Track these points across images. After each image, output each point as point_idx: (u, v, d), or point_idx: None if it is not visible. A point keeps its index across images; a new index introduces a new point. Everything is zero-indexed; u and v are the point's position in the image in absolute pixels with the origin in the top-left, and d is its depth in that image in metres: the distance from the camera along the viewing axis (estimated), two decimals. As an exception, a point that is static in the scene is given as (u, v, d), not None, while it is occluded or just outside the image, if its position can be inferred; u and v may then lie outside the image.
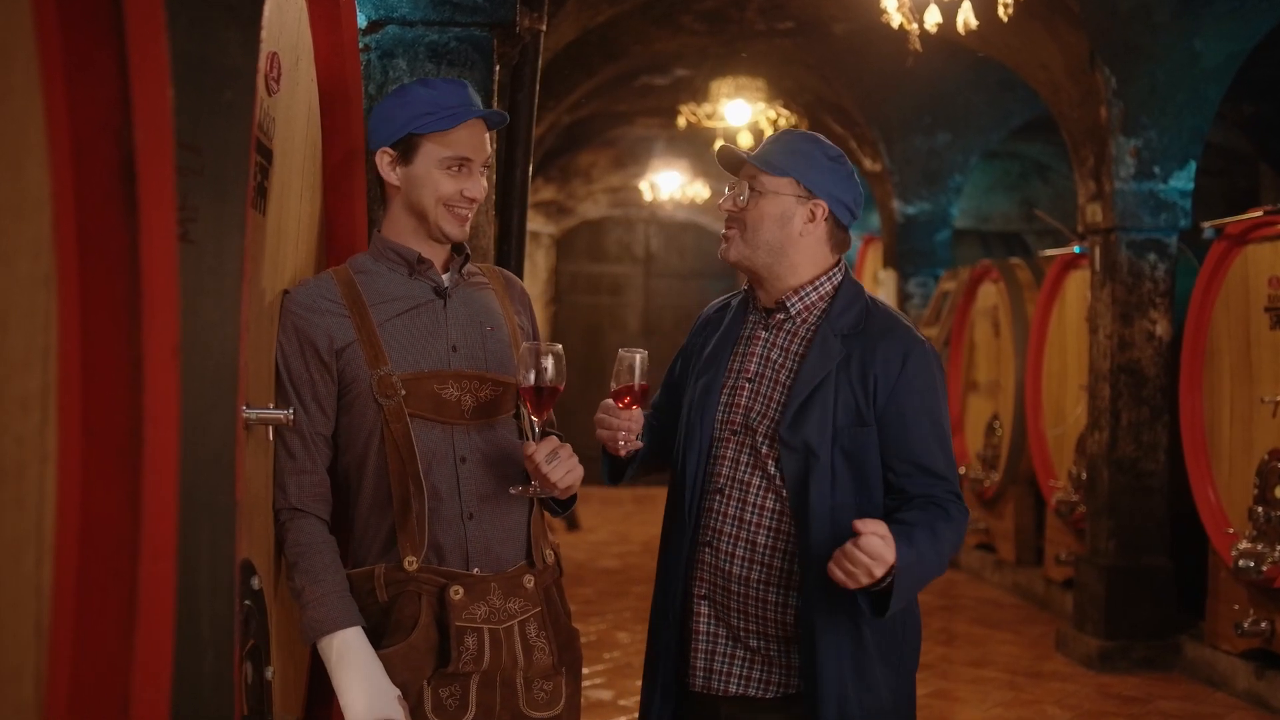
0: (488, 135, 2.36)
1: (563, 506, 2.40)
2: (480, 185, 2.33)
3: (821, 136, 2.47)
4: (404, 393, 2.23)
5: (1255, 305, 5.27)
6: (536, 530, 2.36)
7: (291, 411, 2.15)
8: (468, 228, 2.35)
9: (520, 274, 3.54)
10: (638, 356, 2.31)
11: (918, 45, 5.37)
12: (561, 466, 2.21)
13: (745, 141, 9.18)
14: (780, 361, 2.39)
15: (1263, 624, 5.09)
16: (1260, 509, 5.09)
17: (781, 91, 9.13)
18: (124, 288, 1.09)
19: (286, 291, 2.28)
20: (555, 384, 2.22)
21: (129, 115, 1.08)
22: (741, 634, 2.37)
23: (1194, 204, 6.06)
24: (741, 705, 2.38)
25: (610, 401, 2.34)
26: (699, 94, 9.34)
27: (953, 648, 6.29)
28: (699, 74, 9.01)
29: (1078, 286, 6.84)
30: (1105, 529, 6.02)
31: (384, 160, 2.31)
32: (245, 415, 1.99)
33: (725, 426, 2.40)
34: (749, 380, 2.40)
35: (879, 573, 2.14)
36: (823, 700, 2.27)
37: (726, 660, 2.38)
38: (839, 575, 2.15)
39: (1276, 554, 4.96)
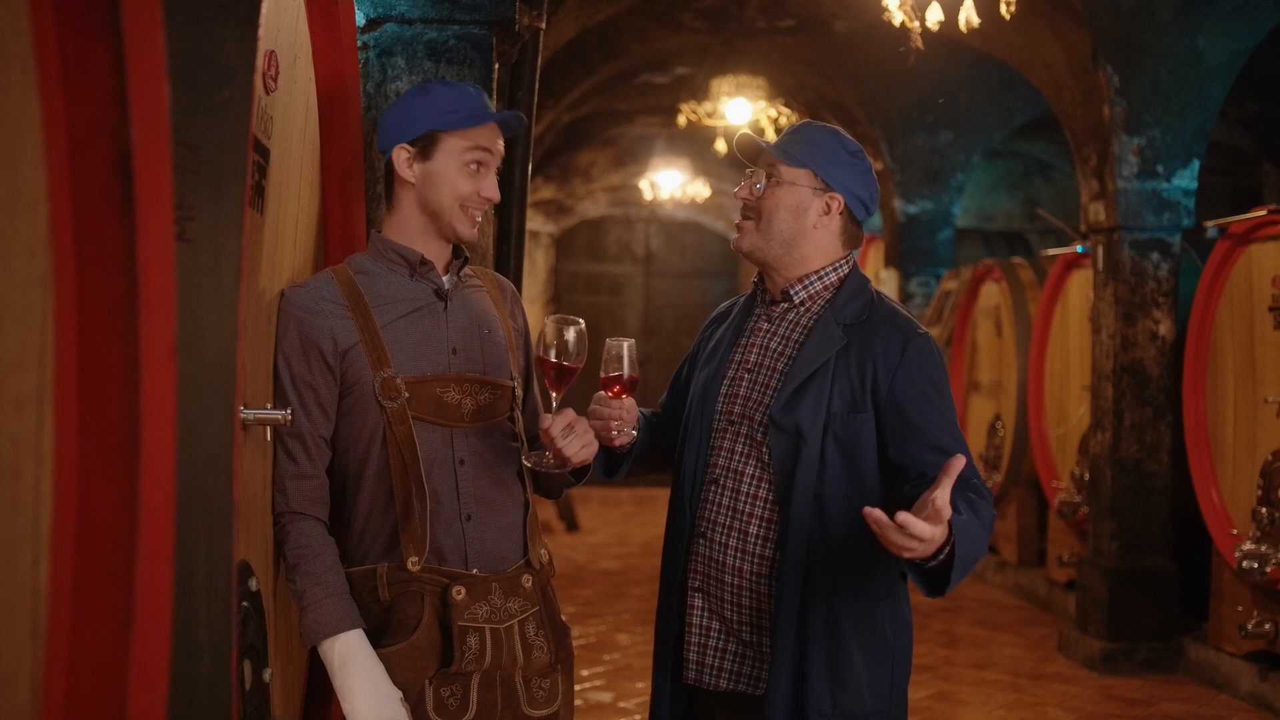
0: (501, 136, 2.37)
1: (576, 477, 2.43)
2: (495, 187, 2.34)
3: (841, 130, 2.46)
4: (407, 395, 2.23)
5: (1259, 305, 5.26)
6: (532, 530, 2.38)
7: (289, 412, 2.15)
8: (476, 230, 2.36)
9: (520, 274, 3.53)
10: (625, 345, 2.32)
11: (919, 43, 5.36)
12: (577, 440, 2.23)
13: (746, 140, 9.15)
14: (780, 349, 2.39)
15: (1266, 625, 5.07)
16: (1264, 510, 5.07)
17: (782, 90, 9.11)
18: (120, 287, 1.08)
19: (284, 292, 2.26)
20: (576, 361, 2.24)
21: (125, 113, 1.08)
22: (735, 626, 2.35)
23: (1197, 203, 6.04)
24: (733, 702, 2.36)
25: (601, 393, 2.33)
26: (699, 92, 9.32)
27: (955, 649, 6.27)
28: (699, 72, 8.99)
29: (1080, 286, 6.82)
30: (1108, 530, 6.00)
31: (401, 156, 2.30)
32: (243, 416, 1.98)
33: (723, 417, 2.40)
34: (749, 370, 2.40)
35: (936, 538, 2.03)
36: (779, 693, 2.25)
37: (718, 655, 2.36)
38: (898, 541, 2.02)
39: (1281, 555, 4.94)
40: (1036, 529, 7.52)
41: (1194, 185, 5.98)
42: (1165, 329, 6.00)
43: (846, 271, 2.43)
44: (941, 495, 2.02)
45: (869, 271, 10.30)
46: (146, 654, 1.09)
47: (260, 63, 1.86)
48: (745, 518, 2.34)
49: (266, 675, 2.08)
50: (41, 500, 1.06)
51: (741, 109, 9.16)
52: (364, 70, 2.88)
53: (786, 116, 9.25)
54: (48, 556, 1.07)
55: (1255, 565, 4.99)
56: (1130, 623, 5.89)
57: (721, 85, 9.05)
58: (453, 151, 2.29)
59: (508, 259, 3.52)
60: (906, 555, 2.05)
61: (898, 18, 5.26)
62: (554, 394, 2.28)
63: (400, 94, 2.86)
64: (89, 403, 1.08)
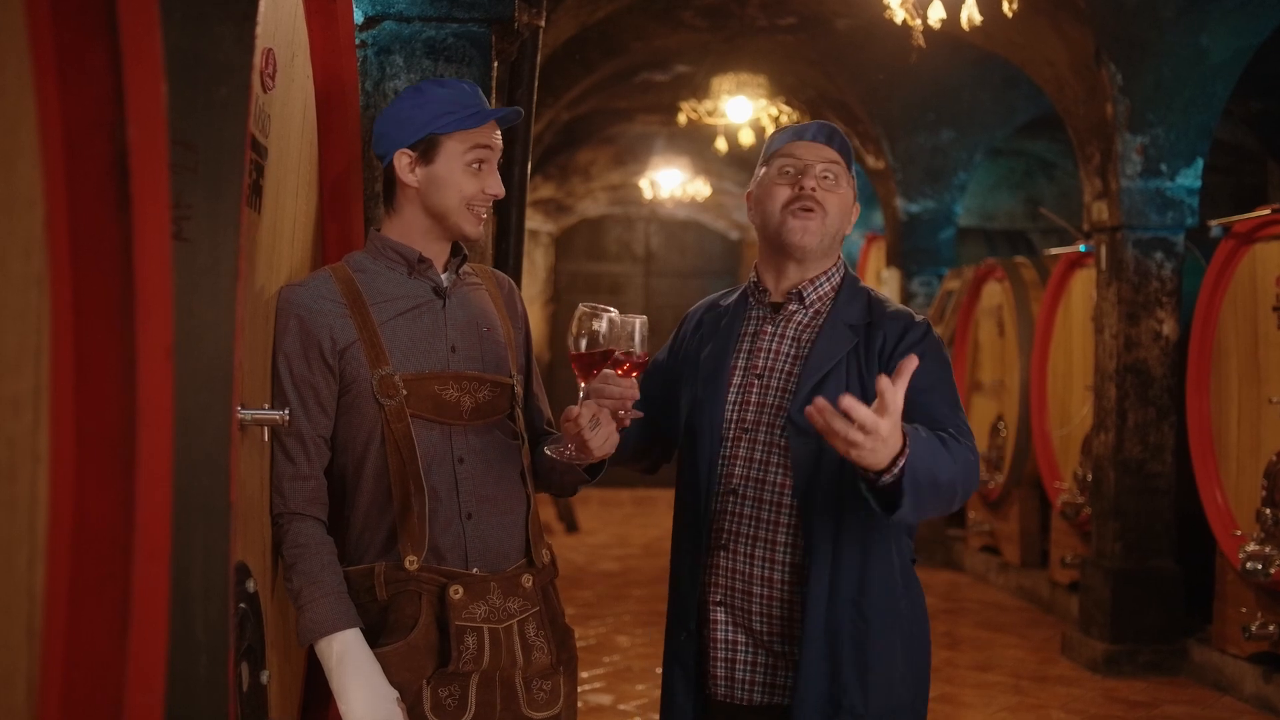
0: (499, 132, 2.37)
1: (591, 473, 2.39)
2: (499, 182, 2.34)
3: None
4: (405, 393, 2.23)
5: (1263, 304, 5.24)
6: (534, 530, 2.36)
7: (287, 413, 2.14)
8: (482, 229, 2.36)
9: (519, 272, 3.53)
10: (637, 321, 2.24)
11: (921, 41, 5.34)
12: (602, 432, 2.20)
13: (747, 139, 9.13)
14: (790, 352, 2.37)
15: (1270, 627, 5.05)
16: (1268, 511, 5.06)
17: (783, 88, 9.08)
18: (117, 287, 1.09)
19: (283, 289, 2.26)
20: (610, 347, 2.20)
21: (122, 111, 1.08)
22: (766, 638, 2.30)
23: (1201, 202, 6.02)
24: (764, 715, 2.32)
25: (609, 371, 2.25)
26: (700, 90, 9.29)
27: (957, 651, 6.24)
28: (700, 70, 8.95)
29: (1083, 286, 6.80)
30: (1111, 531, 5.98)
31: (402, 162, 2.29)
32: (240, 416, 1.97)
33: (736, 426, 2.36)
34: (758, 376, 2.37)
35: (881, 447, 1.97)
36: (811, 700, 2.21)
37: (747, 668, 2.32)
38: (844, 432, 1.95)
39: (1286, 557, 4.92)
40: (1039, 530, 7.49)
41: (1198, 184, 5.96)
42: (1169, 329, 5.97)
43: (844, 274, 2.45)
44: (890, 389, 1.96)
45: (870, 271, 10.28)
46: (143, 655, 1.09)
47: (258, 60, 1.84)
48: (772, 526, 2.30)
49: (264, 677, 2.08)
50: (38, 501, 1.06)
51: (742, 107, 9.14)
52: (362, 68, 2.88)
53: (787, 115, 9.22)
54: (44, 557, 1.06)
55: (1259, 567, 4.97)
56: (1133, 624, 5.86)
57: (722, 83, 9.02)
58: (454, 154, 2.28)
59: (507, 258, 3.52)
60: (854, 455, 1.98)
61: (899, 15, 5.24)
62: (582, 383, 2.24)
63: (398, 92, 2.85)
64: (85, 403, 1.08)
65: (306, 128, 2.47)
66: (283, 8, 2.27)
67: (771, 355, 2.38)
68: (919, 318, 2.38)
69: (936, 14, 5.14)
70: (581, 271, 13.91)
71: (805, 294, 2.40)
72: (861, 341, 2.32)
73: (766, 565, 2.30)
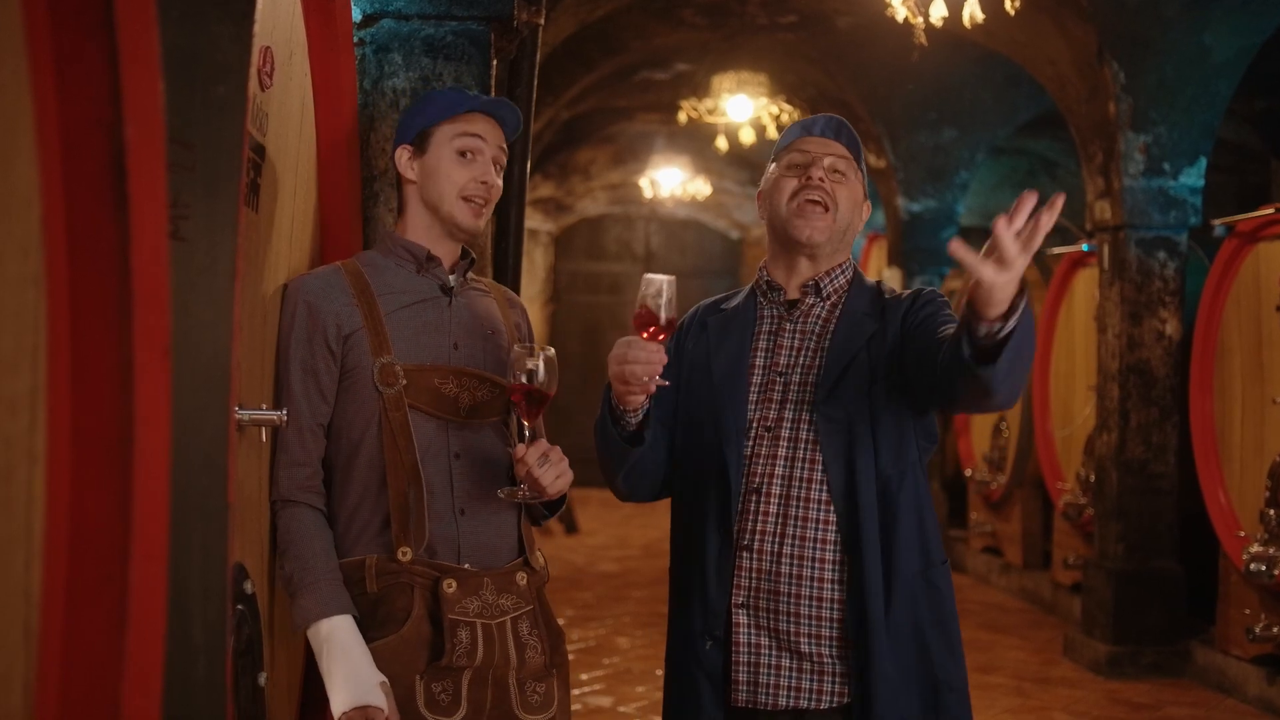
0: (502, 135, 2.41)
1: (550, 510, 2.41)
2: (493, 174, 2.36)
3: None
4: (405, 383, 2.26)
5: (1267, 304, 5.23)
6: (526, 533, 2.38)
7: (285, 413, 2.15)
8: (482, 221, 2.38)
9: (518, 272, 3.53)
10: (665, 281, 2.15)
11: (923, 39, 5.32)
12: (552, 470, 2.22)
13: (747, 138, 9.10)
14: (812, 347, 2.37)
15: (1274, 629, 5.04)
16: (1272, 511, 5.04)
17: (784, 86, 9.06)
18: (114, 287, 1.09)
19: (290, 281, 2.30)
20: (547, 388, 2.20)
21: (119, 110, 1.08)
22: (792, 639, 2.26)
23: (1204, 201, 6.00)
24: (795, 718, 2.28)
25: (634, 336, 2.17)
26: (700, 89, 9.27)
27: (959, 652, 6.21)
28: (700, 69, 8.93)
29: (1086, 285, 6.78)
30: (1114, 532, 5.96)
31: (403, 157, 2.37)
32: (238, 416, 1.97)
33: (759, 425, 2.33)
34: (780, 374, 2.36)
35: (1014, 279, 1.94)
36: (892, 687, 2.22)
37: (773, 672, 2.27)
38: (989, 274, 1.92)
39: (1290, 558, 4.90)
40: (1041, 531, 7.46)
41: (1201, 183, 5.94)
42: (1172, 328, 5.95)
43: (853, 269, 2.47)
44: (1003, 226, 1.93)
45: (872, 270, 10.25)
46: (140, 657, 1.09)
47: (256, 59, 1.87)
48: (801, 522, 2.28)
49: (262, 679, 2.07)
50: (34, 502, 1.06)
51: (743, 106, 9.11)
52: (360, 67, 2.88)
53: (788, 114, 9.19)
54: (40, 559, 1.06)
55: (1263, 568, 4.97)
56: (1136, 626, 5.84)
57: (722, 82, 8.99)
58: (442, 141, 2.34)
59: (506, 257, 3.50)
60: (998, 294, 1.93)
61: (901, 13, 5.23)
62: (527, 423, 2.23)
63: (397, 90, 2.89)
64: (82, 403, 1.09)
65: (305, 126, 2.47)
66: (281, 6, 2.27)
67: (793, 352, 2.37)
68: (920, 288, 2.44)
69: (938, 12, 5.12)
70: (581, 271, 13.88)
71: (822, 286, 2.40)
72: (878, 328, 2.34)
73: (794, 563, 2.27)
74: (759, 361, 2.38)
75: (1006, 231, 1.93)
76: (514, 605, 2.29)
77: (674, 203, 12.92)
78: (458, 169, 2.33)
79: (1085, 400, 6.67)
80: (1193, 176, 5.92)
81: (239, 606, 1.99)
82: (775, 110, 9.16)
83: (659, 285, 2.14)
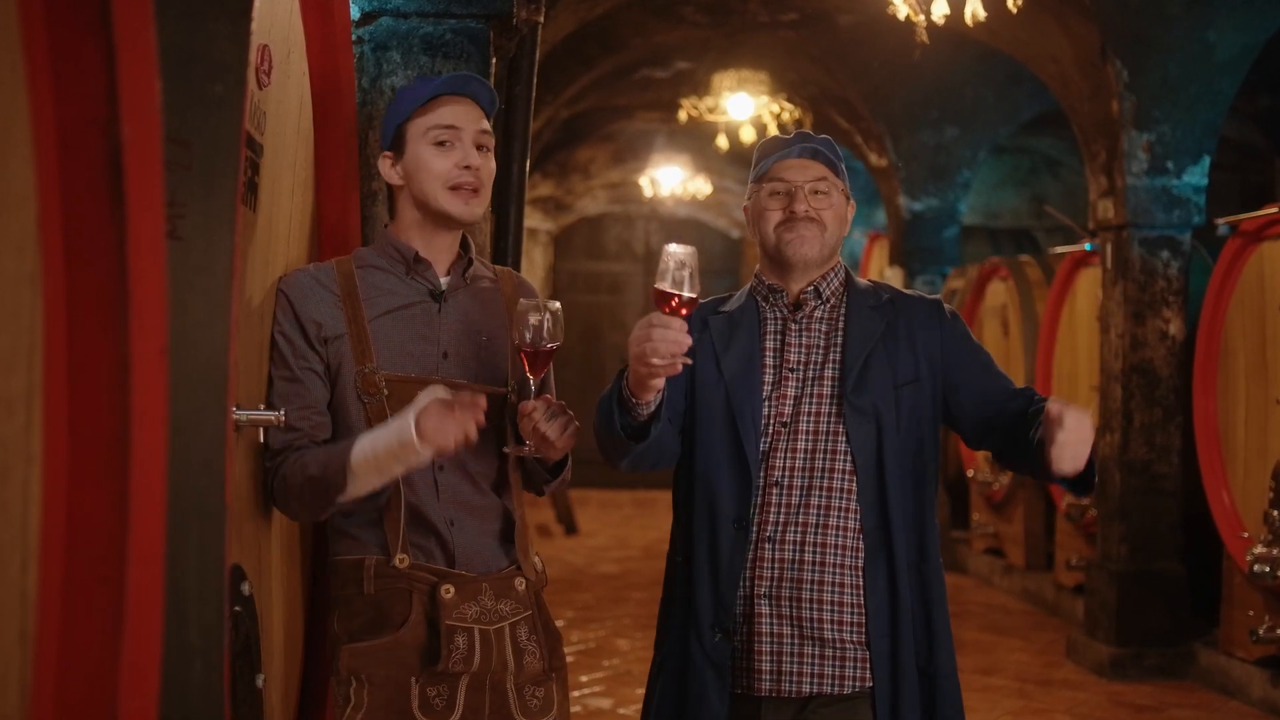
0: (481, 113, 2.35)
1: (552, 473, 2.37)
2: (477, 156, 2.30)
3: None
4: (387, 393, 2.22)
5: (1271, 304, 5.21)
6: (522, 538, 2.35)
7: (283, 413, 2.15)
8: (477, 208, 2.31)
9: (518, 271, 3.48)
10: (687, 253, 2.12)
11: (925, 37, 5.29)
12: (559, 423, 2.20)
13: (748, 137, 9.07)
14: (822, 344, 2.44)
15: (1278, 631, 5.01)
16: (1276, 512, 5.03)
17: (785, 85, 9.04)
18: (111, 286, 1.09)
19: (283, 276, 2.28)
20: (552, 342, 2.19)
21: (116, 109, 1.08)
22: (815, 627, 2.34)
23: (1208, 200, 5.98)
24: (818, 704, 2.35)
25: (658, 312, 2.15)
26: (700, 87, 9.25)
27: (961, 655, 6.10)
28: (700, 67, 8.91)
29: (1089, 285, 6.76)
30: (1117, 533, 5.93)
31: (385, 165, 2.34)
32: (235, 417, 1.98)
33: (775, 420, 2.40)
34: (793, 370, 2.42)
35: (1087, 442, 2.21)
36: (905, 689, 2.33)
37: (796, 660, 2.35)
38: (1070, 454, 2.19)
39: (1294, 559, 4.88)
40: (1044, 532, 7.44)
41: (1204, 182, 5.92)
42: (1175, 328, 5.93)
43: (843, 268, 2.53)
44: (1054, 406, 2.20)
45: (873, 270, 10.25)
46: (137, 659, 1.09)
47: (253, 57, 1.86)
48: (823, 511, 2.35)
49: (259, 681, 2.07)
50: (30, 503, 1.05)
51: (743, 104, 9.09)
52: (359, 65, 2.88)
53: (789, 112, 9.17)
54: (36, 560, 1.06)
55: (1267, 569, 4.94)
56: (1139, 628, 5.82)
57: (723, 80, 8.97)
58: (416, 137, 2.30)
59: (505, 257, 3.49)
60: (1082, 459, 2.19)
61: (902, 11, 5.21)
62: (532, 378, 2.22)
63: (395, 89, 2.86)
64: (79, 403, 1.09)
65: (302, 125, 2.46)
66: (278, 3, 2.26)
67: (804, 349, 2.43)
68: (933, 297, 2.53)
69: (940, 10, 5.10)
70: (581, 270, 13.86)
71: (821, 289, 2.46)
72: (890, 320, 2.43)
73: (817, 551, 2.34)
74: (769, 360, 2.44)
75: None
76: (512, 611, 2.27)
77: (674, 202, 12.90)
78: (437, 160, 2.28)
79: (1088, 401, 6.64)
80: (1196, 175, 5.90)
81: (236, 608, 1.98)
82: (776, 109, 9.13)
83: (681, 257, 2.09)
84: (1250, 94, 7.26)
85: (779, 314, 2.47)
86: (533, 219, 13.13)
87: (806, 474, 2.36)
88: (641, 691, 5.29)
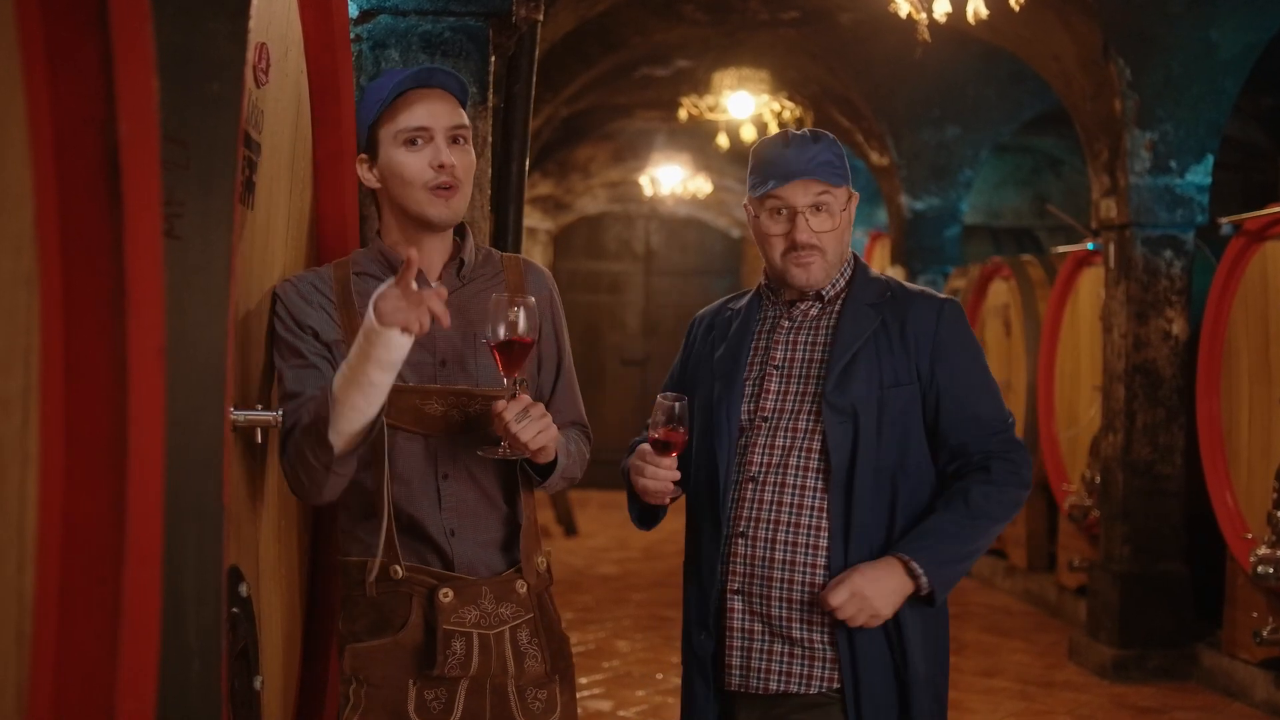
0: (453, 102, 2.27)
1: (541, 474, 2.28)
2: (448, 152, 2.21)
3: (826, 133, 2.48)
4: (385, 403, 2.17)
5: (1274, 303, 5.19)
6: (526, 545, 2.29)
7: (281, 414, 2.12)
8: (458, 206, 2.24)
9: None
10: (678, 405, 2.29)
11: (926, 35, 5.26)
12: (532, 426, 2.12)
13: (749, 135, 9.04)
14: (810, 340, 2.42)
15: (1283, 632, 4.98)
16: (1279, 513, 4.97)
17: (786, 83, 9.01)
18: (108, 286, 1.09)
19: (280, 282, 2.25)
20: (525, 338, 2.12)
21: (113, 108, 1.08)
22: (784, 625, 2.33)
23: (1211, 199, 5.96)
24: (783, 703, 2.35)
25: (648, 448, 2.35)
26: (701, 86, 9.22)
27: (962, 657, 6.17)
28: (701, 65, 8.89)
29: (1091, 284, 6.74)
30: (1119, 534, 5.91)
31: (361, 169, 2.29)
32: (233, 417, 1.98)
33: (755, 415, 2.40)
34: (776, 367, 2.41)
35: (884, 609, 2.27)
36: (864, 695, 2.30)
37: (764, 657, 2.35)
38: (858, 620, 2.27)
39: (1297, 560, 4.87)
40: (1046, 533, 7.42)
41: (1208, 181, 5.90)
42: (1178, 328, 5.91)
43: (856, 262, 2.49)
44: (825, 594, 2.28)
45: (875, 269, 10.18)
46: (134, 660, 1.09)
47: (251, 56, 1.85)
48: (795, 509, 2.33)
49: (257, 683, 2.07)
50: (27, 504, 1.05)
51: (744, 103, 9.07)
52: (357, 63, 2.87)
53: (790, 110, 9.15)
54: (33, 561, 1.06)
55: (1270, 570, 4.93)
56: (1142, 629, 5.80)
57: (723, 78, 8.95)
58: (386, 141, 2.24)
59: (504, 256, 3.47)
60: (858, 619, 2.27)
61: (904, 9, 5.18)
62: (505, 376, 2.16)
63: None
64: (76, 404, 1.09)
65: (301, 124, 2.46)
66: (276, 1, 2.25)
67: (790, 346, 2.42)
68: (944, 297, 2.45)
69: (942, 8, 5.07)
70: (581, 270, 13.83)
71: (824, 293, 2.44)
72: (887, 320, 2.38)
73: (788, 549, 2.33)
74: (757, 358, 2.44)
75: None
76: (513, 614, 2.25)
77: (674, 201, 12.87)
78: (410, 162, 2.21)
79: (1091, 401, 6.63)
80: (1199, 174, 5.88)
81: (234, 610, 1.98)
82: (777, 107, 9.11)
83: (669, 407, 2.29)
84: (1253, 93, 7.24)
85: (775, 311, 2.47)
86: (532, 218, 13.10)
87: (780, 471, 2.35)
88: (641, 693, 5.32)
